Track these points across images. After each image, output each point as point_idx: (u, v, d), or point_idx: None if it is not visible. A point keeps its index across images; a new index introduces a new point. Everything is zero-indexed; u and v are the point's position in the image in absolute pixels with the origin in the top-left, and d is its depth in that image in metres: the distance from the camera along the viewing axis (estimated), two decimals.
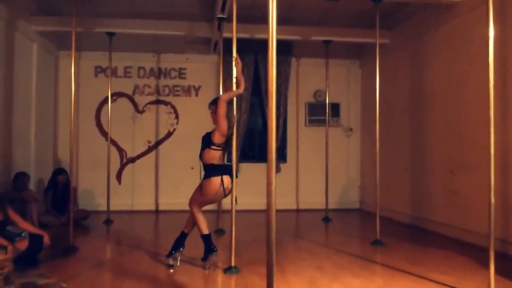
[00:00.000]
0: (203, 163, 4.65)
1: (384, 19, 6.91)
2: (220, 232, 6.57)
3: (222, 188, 4.52)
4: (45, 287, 0.82)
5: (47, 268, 4.44)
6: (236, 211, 4.67)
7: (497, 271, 3.83)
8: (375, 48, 6.24)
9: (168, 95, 9.18)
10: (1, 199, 4.79)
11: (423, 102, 7.17)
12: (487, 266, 3.80)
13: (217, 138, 4.57)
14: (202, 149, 4.66)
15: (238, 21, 4.81)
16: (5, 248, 3.93)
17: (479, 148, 5.36)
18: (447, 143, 6.53)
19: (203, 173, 4.65)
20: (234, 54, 4.73)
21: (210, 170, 4.57)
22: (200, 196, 4.62)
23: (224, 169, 4.58)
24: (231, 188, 4.61)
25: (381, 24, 6.39)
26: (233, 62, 4.69)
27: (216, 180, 4.52)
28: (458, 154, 6.26)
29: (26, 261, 4.36)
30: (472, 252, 5.33)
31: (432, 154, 6.92)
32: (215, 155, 4.58)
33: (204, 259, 4.64)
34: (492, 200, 3.76)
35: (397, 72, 8.01)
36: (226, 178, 4.55)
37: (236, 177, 4.68)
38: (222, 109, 4.50)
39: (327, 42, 8.14)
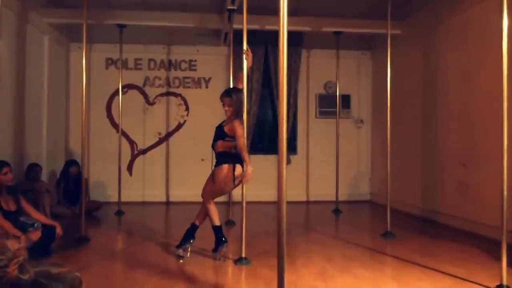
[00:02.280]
0: (215, 152, 4.68)
1: (396, 9, 6.83)
2: (230, 223, 6.59)
3: (233, 176, 4.55)
4: (59, 276, 0.83)
5: (59, 258, 4.50)
6: (246, 202, 4.68)
7: (509, 264, 3.81)
8: (387, 39, 6.19)
9: (178, 87, 9.20)
10: (14, 190, 4.84)
11: (435, 94, 7.11)
12: (499, 259, 3.77)
13: (231, 133, 4.60)
14: (215, 140, 4.68)
15: (248, 13, 4.80)
16: (17, 238, 3.99)
17: (492, 140, 5.31)
18: (459, 136, 6.48)
19: (214, 162, 4.68)
20: (245, 46, 4.72)
21: (222, 157, 4.60)
22: (212, 185, 4.64)
23: (236, 158, 4.59)
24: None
25: (392, 14, 6.32)
26: (244, 55, 4.68)
27: (227, 168, 4.55)
28: (470, 146, 6.20)
29: (39, 251, 4.42)
30: (484, 245, 5.29)
31: (444, 146, 6.87)
32: (228, 145, 4.60)
33: (215, 250, 4.66)
34: (505, 192, 3.73)
35: (409, 63, 7.94)
36: (238, 167, 4.57)
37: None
38: (240, 130, 4.50)
39: (338, 33, 8.07)
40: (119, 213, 7.47)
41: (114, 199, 8.06)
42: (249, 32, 4.85)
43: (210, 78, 9.21)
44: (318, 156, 9.34)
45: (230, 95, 4.68)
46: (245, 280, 4.13)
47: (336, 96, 8.41)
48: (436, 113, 7.08)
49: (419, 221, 7.17)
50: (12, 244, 0.87)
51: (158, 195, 9.04)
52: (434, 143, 7.13)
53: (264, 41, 8.75)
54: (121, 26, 7.61)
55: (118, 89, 8.02)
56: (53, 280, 0.88)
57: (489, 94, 5.67)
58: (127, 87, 8.95)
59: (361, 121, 9.59)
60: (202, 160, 8.48)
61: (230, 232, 5.98)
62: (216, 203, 4.79)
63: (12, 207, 4.71)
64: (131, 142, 9.07)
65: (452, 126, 6.66)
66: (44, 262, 0.91)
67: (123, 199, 7.83)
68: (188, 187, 8.38)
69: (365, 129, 9.64)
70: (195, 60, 9.22)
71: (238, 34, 5.50)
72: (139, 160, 9.10)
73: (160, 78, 9.18)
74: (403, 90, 7.99)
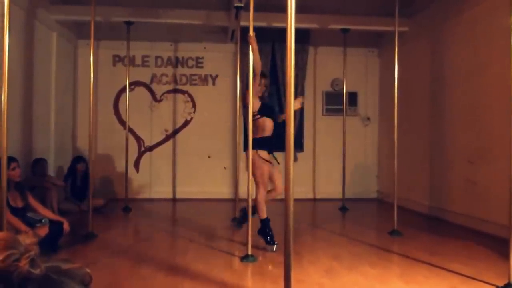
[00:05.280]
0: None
1: (403, 6, 6.80)
2: (237, 221, 6.59)
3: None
4: (70, 272, 0.84)
5: (67, 254, 4.52)
6: (253, 199, 4.69)
7: None
8: (394, 37, 6.16)
9: (185, 84, 9.21)
10: (22, 186, 4.87)
11: (443, 91, 7.08)
12: (507, 257, 3.75)
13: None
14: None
15: (255, 10, 4.79)
16: (25, 234, 4.01)
17: (500, 137, 5.28)
18: (467, 133, 6.44)
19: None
20: (251, 33, 4.68)
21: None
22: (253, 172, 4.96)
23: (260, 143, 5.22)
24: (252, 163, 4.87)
25: (400, 12, 6.30)
26: (250, 47, 4.66)
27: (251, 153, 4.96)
28: (478, 143, 6.17)
29: (47, 247, 4.44)
30: (492, 243, 5.26)
31: (452, 144, 6.84)
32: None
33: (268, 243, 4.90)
34: None
35: (416, 61, 7.90)
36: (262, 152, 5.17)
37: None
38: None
39: (345, 31, 8.05)
40: (126, 209, 7.50)
41: (121, 195, 8.10)
42: (256, 29, 4.84)
43: (217, 76, 9.21)
44: (324, 153, 9.32)
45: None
46: (252, 278, 4.14)
47: (343, 93, 8.38)
48: (444, 111, 7.05)
49: (426, 219, 7.15)
50: (24, 239, 0.88)
51: (165, 192, 9.06)
52: (442, 141, 7.10)
53: (271, 39, 8.73)
54: (128, 23, 7.63)
55: (126, 86, 8.03)
56: (64, 275, 0.88)
57: (497, 91, 5.63)
58: (134, 84, 8.97)
59: (368, 118, 9.56)
60: (209, 157, 8.50)
61: (237, 229, 5.98)
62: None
63: (20, 203, 4.74)
64: (138, 139, 9.09)
65: (460, 123, 6.63)
66: (54, 258, 0.91)
67: (130, 195, 7.86)
68: (195, 184, 8.41)
69: (372, 126, 9.61)
70: (202, 58, 9.22)
71: (245, 31, 5.49)
72: (146, 157, 9.13)
73: (167, 75, 9.19)
74: (410, 88, 7.96)
